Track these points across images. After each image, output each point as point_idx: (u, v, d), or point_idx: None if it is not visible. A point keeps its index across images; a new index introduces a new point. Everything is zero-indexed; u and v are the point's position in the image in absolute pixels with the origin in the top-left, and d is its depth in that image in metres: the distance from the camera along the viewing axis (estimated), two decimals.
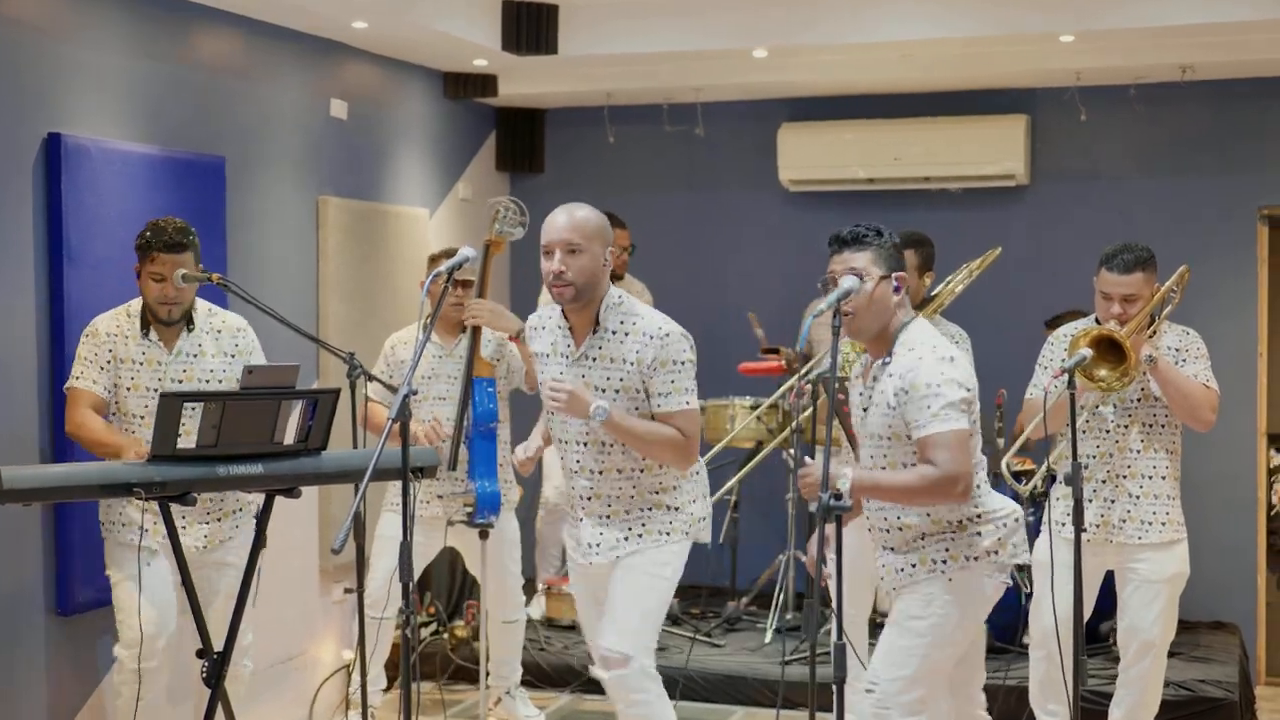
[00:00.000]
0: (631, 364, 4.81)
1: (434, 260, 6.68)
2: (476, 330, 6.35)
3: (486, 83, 8.57)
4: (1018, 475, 7.16)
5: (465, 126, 8.86)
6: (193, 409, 4.83)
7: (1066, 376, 5.08)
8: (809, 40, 7.75)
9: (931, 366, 4.41)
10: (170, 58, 6.41)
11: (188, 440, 4.75)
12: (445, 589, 7.96)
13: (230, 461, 4.70)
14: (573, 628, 7.82)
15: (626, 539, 4.95)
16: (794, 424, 7.31)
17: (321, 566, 7.43)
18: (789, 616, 7.81)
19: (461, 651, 7.56)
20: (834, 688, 3.99)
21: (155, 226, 5.39)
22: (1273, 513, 8.44)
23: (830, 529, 4.10)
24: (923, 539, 4.56)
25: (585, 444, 4.91)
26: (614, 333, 4.84)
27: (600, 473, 4.92)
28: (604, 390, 4.83)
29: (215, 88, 6.68)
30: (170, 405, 4.56)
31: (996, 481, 6.99)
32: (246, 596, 4.98)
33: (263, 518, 4.96)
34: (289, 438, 4.87)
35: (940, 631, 4.58)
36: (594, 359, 4.86)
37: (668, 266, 8.84)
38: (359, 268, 7.59)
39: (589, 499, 4.96)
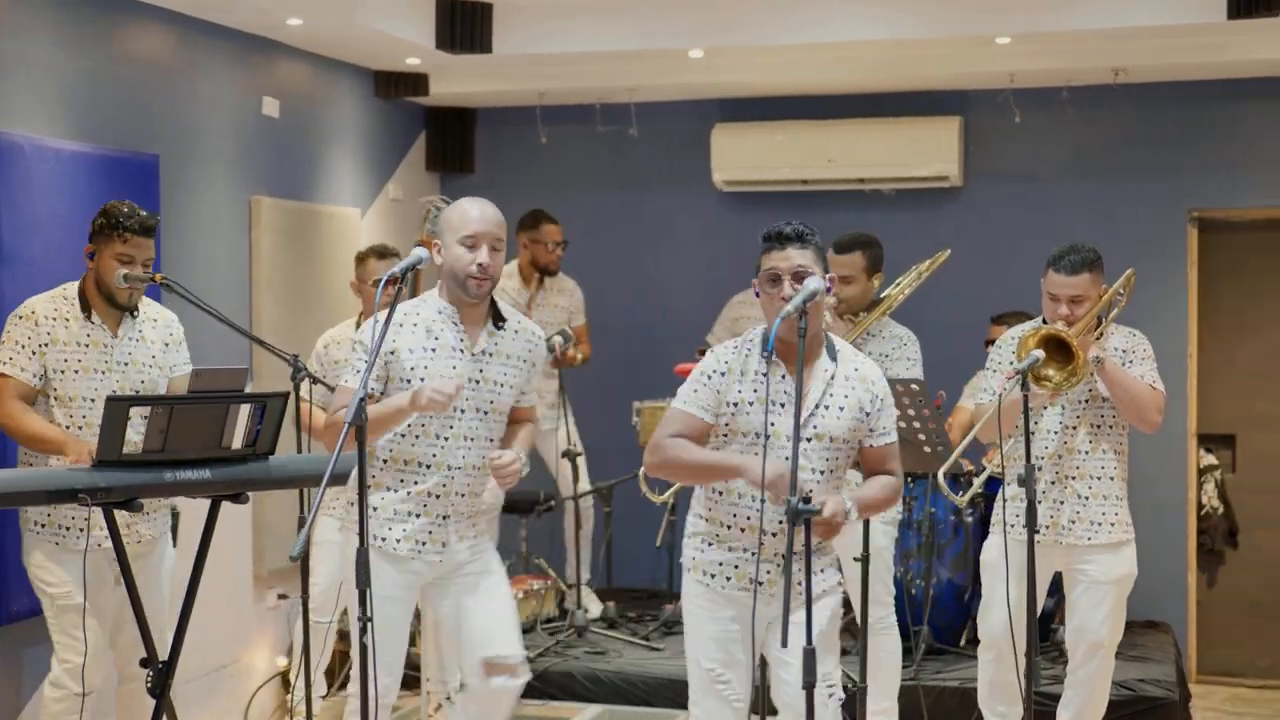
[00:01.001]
0: (524, 360, 4.86)
1: (362, 259, 6.58)
2: None
3: (418, 82, 8.47)
4: (957, 477, 7.17)
5: (395, 126, 8.76)
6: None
7: (1019, 379, 5.10)
8: (744, 41, 7.71)
9: (882, 376, 4.50)
10: (104, 53, 6.27)
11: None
12: None
13: (177, 467, 4.58)
14: None
15: (478, 537, 4.89)
16: None
17: (255, 572, 7.30)
18: None
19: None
20: (804, 693, 3.95)
21: (123, 208, 5.23)
22: (1203, 512, 8.51)
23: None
24: None
25: (473, 440, 4.79)
26: (506, 330, 4.84)
27: (479, 468, 4.81)
28: (502, 385, 4.80)
29: (149, 84, 6.54)
30: (116, 409, 4.44)
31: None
32: (193, 603, 4.85)
33: (208, 525, 4.84)
34: (236, 442, 4.75)
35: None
36: (492, 355, 4.80)
37: (600, 267, 8.79)
38: (292, 269, 7.47)
39: (464, 495, 4.81)
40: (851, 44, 7.67)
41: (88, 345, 5.28)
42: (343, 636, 7.29)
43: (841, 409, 4.38)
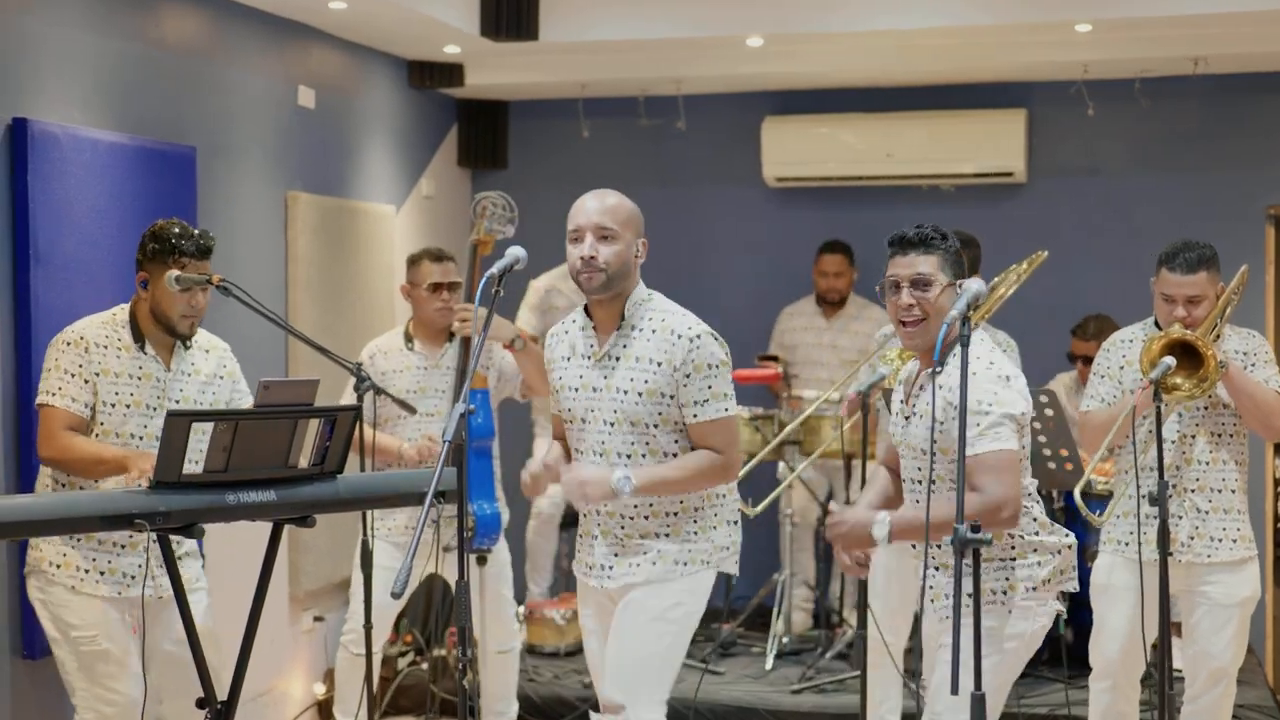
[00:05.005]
0: (660, 364, 4.39)
1: (415, 261, 6.12)
2: (466, 340, 5.86)
3: (453, 72, 8.04)
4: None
5: (428, 119, 8.33)
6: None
7: (1154, 389, 4.74)
8: (805, 28, 7.28)
9: (985, 384, 4.05)
10: (140, 39, 5.83)
11: None
12: (420, 616, 7.41)
13: (240, 488, 4.14)
14: (558, 655, 7.33)
15: (640, 565, 4.45)
16: (833, 435, 6.88)
17: (291, 594, 6.84)
18: (785, 640, 7.36)
19: (444, 684, 6.99)
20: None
21: (174, 228, 4.77)
22: (1279, 525, 8.13)
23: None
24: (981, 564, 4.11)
25: (602, 455, 4.43)
26: (640, 330, 4.44)
27: None
28: (627, 392, 4.39)
29: (185, 72, 6.11)
30: (177, 426, 3.98)
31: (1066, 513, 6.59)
32: (253, 638, 4.43)
33: (270, 551, 4.41)
34: (303, 460, 4.30)
35: (1010, 668, 4.22)
36: (618, 358, 4.43)
37: (644, 267, 8.31)
38: (329, 268, 7.04)
39: (605, 515, 4.47)
40: (920, 32, 7.23)
41: (140, 379, 4.80)
42: (385, 662, 6.88)
43: (920, 417, 4.16)
